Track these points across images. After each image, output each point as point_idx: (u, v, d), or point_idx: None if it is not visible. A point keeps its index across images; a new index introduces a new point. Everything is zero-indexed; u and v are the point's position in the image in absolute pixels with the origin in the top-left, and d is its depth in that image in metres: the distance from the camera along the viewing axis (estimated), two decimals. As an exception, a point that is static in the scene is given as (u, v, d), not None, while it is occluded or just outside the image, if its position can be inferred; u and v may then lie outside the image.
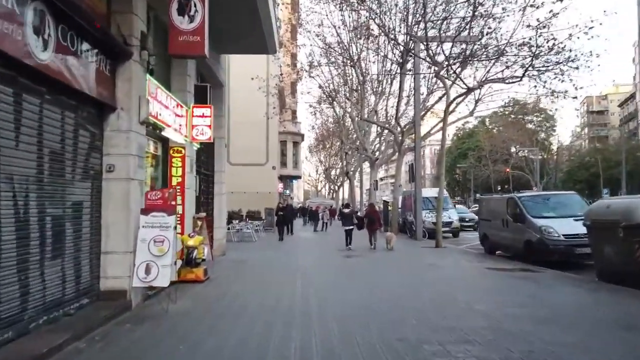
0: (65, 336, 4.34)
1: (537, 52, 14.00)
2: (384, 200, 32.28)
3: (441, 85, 24.48)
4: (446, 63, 15.53)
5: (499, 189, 65.59)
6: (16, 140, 4.22)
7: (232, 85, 36.90)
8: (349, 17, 22.29)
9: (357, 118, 30.09)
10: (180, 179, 8.62)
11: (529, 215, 11.55)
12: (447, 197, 21.88)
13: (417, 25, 17.14)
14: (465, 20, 14.84)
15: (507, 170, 55.52)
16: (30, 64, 4.22)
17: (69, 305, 5.11)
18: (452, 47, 15.30)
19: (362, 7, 18.56)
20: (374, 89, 27.48)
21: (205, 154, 11.86)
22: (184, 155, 8.67)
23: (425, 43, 15.55)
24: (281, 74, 33.96)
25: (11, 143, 4.14)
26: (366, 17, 18.45)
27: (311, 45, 36.36)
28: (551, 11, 13.54)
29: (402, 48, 18.44)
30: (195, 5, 6.56)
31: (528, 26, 13.66)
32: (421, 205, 19.22)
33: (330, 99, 28.56)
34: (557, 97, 17.79)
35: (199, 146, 9.90)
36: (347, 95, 28.93)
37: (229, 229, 18.32)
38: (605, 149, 53.43)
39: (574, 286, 8.14)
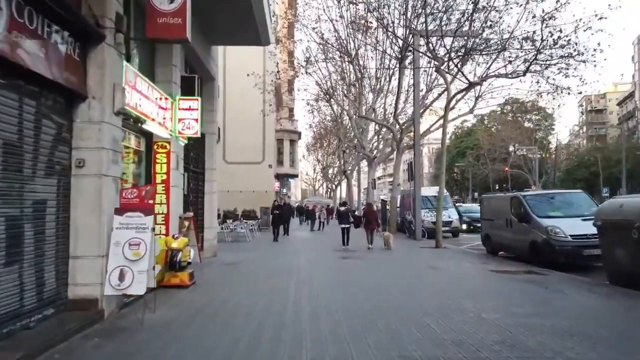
0: (17, 355, 3.77)
1: (542, 45, 13.47)
2: (382, 200, 31.75)
3: (441, 82, 24.09)
4: (447, 57, 15.01)
5: (497, 188, 65.36)
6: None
7: (227, 82, 36.53)
8: (347, 11, 21.77)
9: (354, 116, 29.55)
10: (164, 176, 8.04)
11: (534, 215, 11.02)
12: (446, 196, 21.35)
13: (416, 19, 16.60)
14: (467, 14, 14.34)
15: (506, 169, 55.17)
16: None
17: (29, 318, 4.54)
18: (453, 41, 14.76)
19: (360, 0, 18.05)
20: (372, 86, 26.94)
21: (195, 151, 11.28)
22: (169, 150, 8.09)
23: (425, 37, 15.01)
24: (278, 72, 33.41)
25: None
26: (364, 10, 17.88)
27: (308, 41, 35.78)
28: (558, 0, 13.01)
29: (401, 42, 17.88)
30: (177, -15, 5.98)
31: (534, 17, 13.11)
32: (420, 204, 18.69)
33: (327, 96, 27.98)
34: (561, 93, 17.34)
35: (186, 142, 9.31)
36: (345, 92, 28.37)
37: (222, 228, 17.76)
38: (605, 148, 53.12)
39: (586, 290, 7.61)
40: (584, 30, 14.39)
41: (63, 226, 5.17)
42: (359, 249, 15.04)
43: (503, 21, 14.73)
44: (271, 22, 11.61)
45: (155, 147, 8.05)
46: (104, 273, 5.22)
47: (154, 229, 5.51)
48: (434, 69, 16.35)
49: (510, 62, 15.29)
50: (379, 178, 78.39)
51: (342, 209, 16.93)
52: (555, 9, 13.09)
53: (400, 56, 19.09)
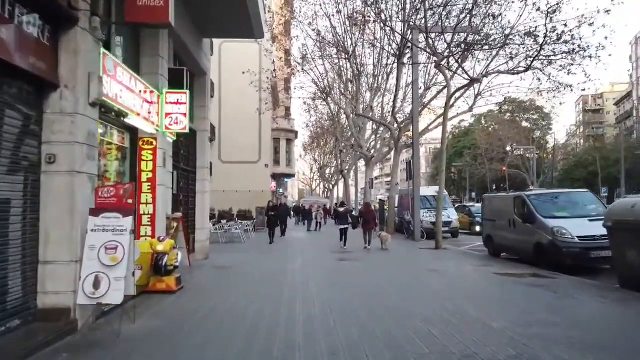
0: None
1: (544, 41, 13.05)
2: (380, 200, 31.32)
3: (439, 80, 23.76)
4: (447, 53, 14.59)
5: (494, 187, 65.12)
6: None
7: (223, 80, 36.00)
8: (344, 7, 21.33)
9: (352, 115, 29.12)
10: (150, 175, 7.55)
11: (539, 216, 10.59)
12: (446, 196, 20.94)
13: (415, 14, 16.16)
14: (467, 8, 13.92)
15: (504, 169, 54.92)
16: None
17: (-11, 331, 4.06)
18: (453, 35, 14.32)
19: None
20: (370, 85, 26.50)
21: (185, 148, 10.80)
22: (155, 147, 7.60)
23: (424, 33, 14.57)
24: (274, 70, 32.93)
25: None
26: (362, 4, 17.39)
27: (305, 38, 35.29)
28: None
29: (399, 38, 17.46)
30: (160, -34, 5.50)
31: (538, 10, 12.68)
32: (419, 204, 18.26)
33: (324, 94, 27.52)
34: (564, 90, 16.96)
35: (174, 138, 8.82)
36: (342, 90, 27.91)
37: (216, 229, 17.27)
38: (604, 147, 52.95)
39: (597, 296, 7.17)
40: (589, 25, 14.00)
41: (31, 229, 4.68)
42: (357, 250, 14.65)
43: (505, 15, 14.42)
44: (265, 14, 11.11)
45: (140, 143, 7.56)
46: (77, 280, 4.74)
47: (133, 232, 5.03)
48: (434, 64, 15.87)
49: (511, 58, 14.91)
50: (376, 178, 78.08)
51: (341, 209, 16.93)
52: (558, 3, 12.66)
53: (398, 52, 18.67)
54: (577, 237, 9.77)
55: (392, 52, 19.44)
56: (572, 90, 15.79)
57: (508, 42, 14.15)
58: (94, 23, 5.05)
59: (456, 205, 26.22)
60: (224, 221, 19.60)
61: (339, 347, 4.38)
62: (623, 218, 7.84)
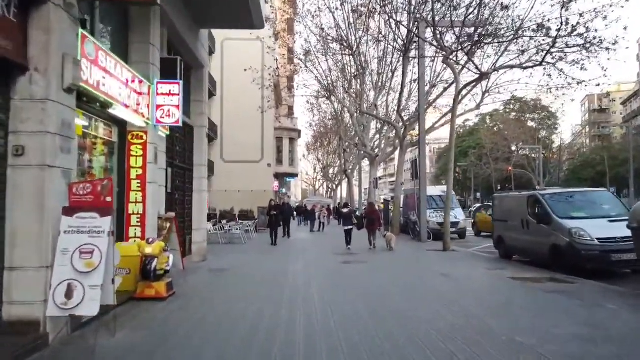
0: None
1: (559, 32, 12.39)
2: (384, 200, 30.71)
3: (445, 77, 23.18)
4: (455, 47, 13.97)
5: (499, 188, 64.36)
6: None
7: (225, 78, 35.50)
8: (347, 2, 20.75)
9: (355, 114, 28.52)
10: (140, 171, 7.00)
11: (555, 216, 9.96)
12: (453, 196, 20.32)
13: (423, 6, 15.53)
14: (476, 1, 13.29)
15: (510, 168, 54.21)
16: None
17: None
18: (462, 28, 13.67)
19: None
20: (374, 83, 25.90)
21: (182, 144, 10.24)
22: (146, 141, 7.05)
23: (432, 25, 13.95)
24: (277, 68, 32.37)
25: None
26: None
27: (308, 36, 34.73)
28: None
29: (405, 31, 16.84)
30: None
31: (553, -2, 12.02)
32: (425, 204, 17.64)
33: (328, 92, 26.93)
34: (577, 86, 16.30)
35: (167, 133, 8.27)
36: (346, 88, 27.31)
37: (215, 229, 16.73)
38: (612, 147, 52.14)
39: (627, 305, 6.54)
40: (603, 18, 13.36)
41: (-5, 229, 4.13)
42: (361, 251, 14.08)
43: (516, 7, 13.76)
44: (266, 2, 10.53)
45: (129, 137, 7.01)
46: (47, 288, 4.18)
47: (112, 233, 4.46)
48: (442, 59, 15.25)
49: (523, 52, 14.27)
50: (379, 178, 77.35)
51: (345, 210, 16.63)
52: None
53: (404, 47, 18.05)
54: (597, 239, 9.16)
55: (397, 47, 18.80)
56: (586, 86, 15.10)
57: (519, 35, 13.51)
58: (69, -1, 4.49)
59: (477, 205, 25.56)
60: (224, 221, 19.04)
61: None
62: (651, 219, 7.24)
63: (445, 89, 21.57)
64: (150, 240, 6.33)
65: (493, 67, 14.21)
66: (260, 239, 17.62)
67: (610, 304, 6.51)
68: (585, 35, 12.80)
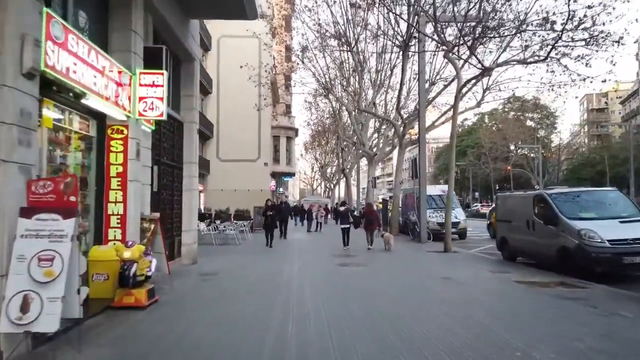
0: None
1: (564, 26, 11.90)
2: (382, 199, 30.22)
3: (445, 75, 22.70)
4: (457, 40, 13.48)
5: (497, 188, 63.97)
6: None
7: (221, 76, 34.95)
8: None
9: (354, 111, 28.02)
10: (120, 168, 6.47)
11: (563, 217, 9.49)
12: (453, 195, 19.87)
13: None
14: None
15: (508, 168, 53.87)
16: None
17: None
18: (464, 21, 13.15)
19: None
20: (372, 81, 25.40)
21: (170, 141, 9.71)
22: (127, 136, 6.52)
23: (432, 20, 13.44)
24: (274, 66, 31.84)
25: None
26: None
27: (305, 33, 34.18)
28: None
29: (405, 27, 16.34)
30: None
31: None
32: (425, 203, 17.15)
33: (325, 90, 26.42)
34: (581, 82, 15.86)
35: (152, 128, 7.75)
36: (344, 85, 26.79)
37: (208, 230, 16.20)
38: (611, 146, 51.82)
39: (646, 312, 6.08)
40: (607, 14, 12.90)
41: (-60, 234, 3.60)
42: (360, 252, 13.64)
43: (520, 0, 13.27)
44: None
45: (109, 131, 6.48)
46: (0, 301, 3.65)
47: (77, 238, 3.94)
48: (443, 54, 14.75)
49: (526, 47, 13.80)
50: (377, 178, 76.94)
51: (342, 209, 16.42)
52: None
53: (404, 42, 17.54)
54: (608, 240, 8.70)
55: (397, 42, 18.30)
56: (591, 82, 14.65)
57: (522, 29, 13.03)
58: (29, -29, 3.97)
59: (494, 205, 24.98)
60: (218, 221, 18.51)
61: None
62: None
63: (445, 86, 21.13)
64: (130, 243, 5.81)
65: (496, 63, 13.73)
66: (256, 239, 17.08)
67: (626, 311, 6.03)
68: (592, 28, 12.35)
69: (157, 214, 7.36)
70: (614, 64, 12.79)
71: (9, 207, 3.81)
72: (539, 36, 13.41)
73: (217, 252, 13.40)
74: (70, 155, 5.90)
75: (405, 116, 22.30)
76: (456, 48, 13.82)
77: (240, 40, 33.27)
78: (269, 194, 34.88)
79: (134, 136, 6.62)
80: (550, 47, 12.28)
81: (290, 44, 34.94)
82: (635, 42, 68.57)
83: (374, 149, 29.37)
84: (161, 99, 6.73)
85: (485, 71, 13.13)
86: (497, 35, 13.28)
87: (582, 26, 12.51)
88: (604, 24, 12.42)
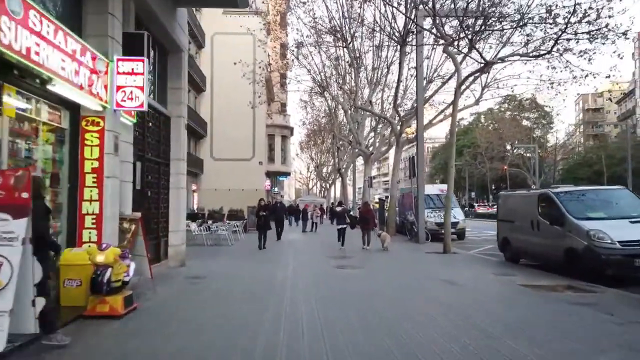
0: None
1: (570, 17, 11.47)
2: (379, 199, 29.75)
3: (442, 73, 22.26)
4: (456, 35, 13.04)
5: (494, 188, 63.81)
6: None
7: (215, 74, 34.39)
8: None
9: (350, 110, 27.52)
10: (96, 164, 5.92)
11: (570, 216, 9.03)
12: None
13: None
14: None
15: (505, 167, 53.69)
16: None
17: None
18: (464, 16, 12.68)
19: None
20: (369, 79, 24.92)
21: (156, 136, 9.15)
22: (103, 128, 5.97)
23: (432, 14, 12.97)
24: (269, 64, 31.28)
25: None
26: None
27: (300, 29, 33.66)
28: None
29: (402, 22, 15.89)
30: None
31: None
32: (423, 203, 16.68)
33: (321, 88, 25.91)
34: (583, 79, 15.47)
35: (134, 120, 7.20)
36: (340, 84, 26.29)
37: (200, 230, 15.64)
38: (608, 146, 51.72)
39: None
40: (608, 9, 12.50)
41: None
42: (356, 253, 13.18)
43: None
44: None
45: (83, 123, 5.93)
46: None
47: (31, 240, 3.39)
48: (442, 49, 14.28)
49: (528, 41, 13.38)
50: (373, 177, 76.69)
51: (339, 209, 16.20)
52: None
53: (401, 37, 17.08)
54: (619, 241, 8.26)
55: (394, 38, 17.81)
56: (594, 77, 14.23)
57: (524, 22, 12.59)
58: None
59: None
60: (210, 221, 17.94)
61: None
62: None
63: (443, 83, 20.66)
64: (104, 246, 5.26)
65: (498, 56, 13.28)
66: (249, 240, 16.52)
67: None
68: (597, 21, 11.93)
69: (139, 214, 6.82)
70: (621, 57, 12.34)
71: (-52, 205, 3.28)
72: (541, 30, 13.02)
73: (208, 253, 12.84)
74: (39, 149, 5.35)
75: (402, 114, 21.83)
76: (456, 42, 13.37)
77: (234, 37, 32.71)
78: (263, 194, 34.31)
79: (112, 128, 6.07)
80: (554, 40, 11.84)
81: (286, 41, 34.39)
82: (633, 41, 68.71)
83: (370, 148, 28.91)
84: (141, 88, 6.18)
85: (487, 65, 12.67)
86: (498, 29, 12.85)
87: (586, 19, 12.12)
88: (609, 16, 12.02)
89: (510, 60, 13.68)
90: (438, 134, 78.39)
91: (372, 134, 30.59)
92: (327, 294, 7.02)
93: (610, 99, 50.63)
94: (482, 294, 7.27)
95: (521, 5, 12.74)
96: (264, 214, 14.12)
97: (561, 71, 15.22)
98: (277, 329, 4.88)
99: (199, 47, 34.26)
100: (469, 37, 11.95)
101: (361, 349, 4.22)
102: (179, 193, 9.89)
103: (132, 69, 6.18)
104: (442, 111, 21.72)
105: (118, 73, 6.14)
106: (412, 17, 14.35)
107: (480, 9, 12.55)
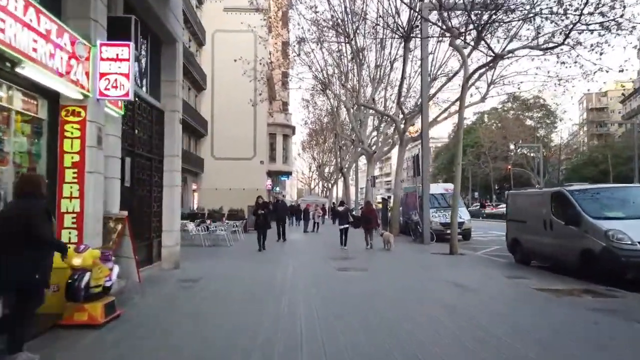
0: None
1: (584, 7, 10.95)
2: (382, 199, 29.23)
3: (447, 70, 21.75)
4: (464, 27, 12.52)
5: (497, 187, 63.12)
6: None
7: (216, 72, 33.95)
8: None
9: (352, 109, 27.02)
10: (77, 157, 5.43)
11: (587, 216, 8.50)
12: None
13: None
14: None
15: (509, 167, 53.12)
16: None
17: None
18: (471, 9, 12.12)
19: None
20: (371, 77, 24.41)
21: (148, 131, 8.66)
22: (85, 119, 5.48)
23: (437, 6, 12.44)
24: (271, 62, 30.80)
25: None
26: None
27: (302, 26, 33.20)
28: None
29: (405, 17, 15.38)
30: None
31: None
32: (428, 202, 16.16)
33: (323, 85, 25.42)
34: (594, 74, 14.98)
35: (122, 113, 6.71)
36: (342, 81, 25.79)
37: (198, 231, 15.16)
38: (614, 145, 51.12)
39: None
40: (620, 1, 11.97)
41: None
42: (358, 253, 12.72)
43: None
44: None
45: (63, 113, 5.44)
46: None
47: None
48: (449, 42, 13.76)
49: (538, 34, 12.85)
50: (376, 177, 76.17)
51: (341, 209, 15.67)
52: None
53: (406, 32, 16.55)
54: (639, 242, 7.72)
55: (398, 32, 17.29)
56: (607, 72, 13.74)
57: (535, 12, 12.07)
58: None
59: None
60: (208, 221, 17.45)
61: None
62: None
63: (448, 79, 20.16)
64: (81, 248, 4.77)
65: (507, 49, 12.74)
66: (249, 240, 16.01)
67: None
68: (613, 12, 11.42)
69: (125, 213, 6.33)
70: (638, 49, 11.77)
71: None
72: (551, 22, 12.49)
73: (205, 254, 12.36)
74: (11, 141, 4.86)
75: (406, 112, 21.31)
76: (463, 35, 12.84)
77: (235, 35, 32.26)
78: (264, 193, 33.81)
79: (94, 119, 5.58)
80: (568, 31, 11.31)
81: (287, 38, 33.93)
82: (638, 39, 67.89)
83: (373, 147, 28.40)
84: (127, 75, 5.68)
85: (496, 58, 12.14)
86: (509, 21, 12.32)
87: (599, 10, 11.61)
88: (624, 7, 11.49)
89: (519, 55, 13.19)
90: (441, 133, 77.86)
91: (375, 133, 30.08)
92: (327, 298, 6.51)
93: (623, 94, 49.88)
94: (496, 301, 6.72)
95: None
96: (263, 212, 13.49)
97: (570, 67, 14.74)
98: (273, 343, 4.38)
99: (199, 44, 33.82)
100: (479, 28, 11.40)
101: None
102: (173, 191, 9.40)
103: (117, 55, 5.68)
104: (447, 109, 21.22)
105: (101, 59, 5.64)
106: (417, 9, 13.83)
107: (489, 0, 12.04)
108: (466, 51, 13.17)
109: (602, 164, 47.48)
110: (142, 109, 8.32)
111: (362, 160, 39.98)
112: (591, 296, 6.99)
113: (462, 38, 12.42)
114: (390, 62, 23.33)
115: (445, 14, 12.63)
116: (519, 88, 21.33)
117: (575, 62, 13.73)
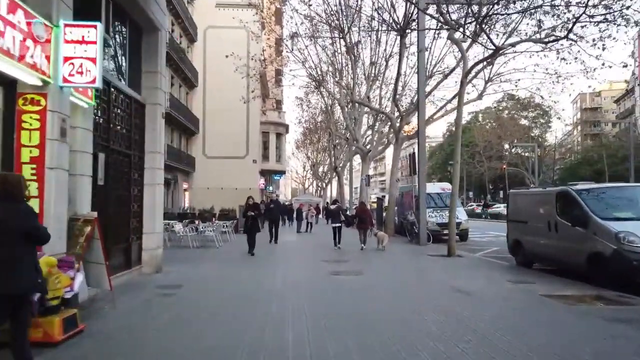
0: None
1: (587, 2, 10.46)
2: (377, 198, 28.72)
3: (443, 67, 21.26)
4: (463, 20, 12.00)
5: (491, 187, 62.90)
6: None
7: (208, 69, 33.22)
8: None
9: (347, 107, 26.47)
10: (36, 152, 4.81)
11: (595, 217, 8.01)
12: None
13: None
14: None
15: (504, 166, 52.91)
16: None
17: None
18: (470, 2, 11.60)
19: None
20: (366, 74, 23.87)
21: (126, 124, 8.02)
22: (45, 108, 4.86)
23: (434, 3, 11.93)
24: (264, 59, 30.16)
25: None
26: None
27: (292, 17, 32.54)
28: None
29: (401, 12, 14.86)
30: None
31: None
32: (425, 202, 15.65)
33: (317, 82, 24.84)
34: (594, 71, 14.55)
35: (92, 103, 6.08)
36: (336, 79, 25.23)
37: (185, 232, 14.53)
38: (610, 145, 51.09)
39: None
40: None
41: None
42: (352, 254, 12.25)
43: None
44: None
45: (20, 102, 4.81)
46: None
47: None
48: (447, 35, 13.24)
49: (540, 27, 12.36)
50: (370, 176, 75.48)
51: (333, 207, 15.44)
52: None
53: (402, 26, 16.01)
54: (653, 245, 7.25)
55: (394, 27, 16.75)
56: (610, 67, 13.28)
57: (535, 4, 11.60)
58: None
59: None
60: (197, 221, 16.81)
61: None
62: None
63: (445, 76, 19.65)
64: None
65: (508, 41, 12.24)
66: (239, 241, 15.38)
67: None
68: (619, 3, 10.96)
69: (94, 214, 5.70)
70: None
71: None
72: (553, 15, 12.02)
73: (191, 257, 11.73)
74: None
75: (403, 109, 20.80)
76: (461, 28, 12.33)
77: (228, 32, 31.57)
78: (257, 193, 33.16)
79: (56, 109, 4.95)
80: (571, 24, 10.81)
81: (280, 35, 33.28)
82: (632, 39, 68.00)
83: (368, 146, 27.89)
84: (94, 60, 5.06)
85: (497, 52, 11.63)
86: (508, 13, 11.82)
87: (604, 2, 11.14)
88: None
89: (519, 51, 12.72)
90: (435, 132, 77.42)
91: (370, 131, 29.57)
92: (320, 306, 5.93)
93: (627, 90, 49.62)
94: (501, 309, 6.17)
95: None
96: (253, 214, 12.71)
97: (570, 63, 14.24)
98: (257, 354, 3.80)
99: (191, 41, 33.10)
100: (479, 20, 10.88)
101: None
102: (155, 190, 8.77)
103: (83, 37, 5.06)
104: (443, 106, 20.74)
105: (65, 41, 5.02)
106: (414, 1, 13.29)
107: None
108: (465, 45, 12.65)
109: (596, 163, 47.39)
110: (120, 100, 7.69)
111: (357, 160, 39.51)
112: (603, 303, 6.50)
113: (461, 30, 11.89)
114: (385, 59, 22.87)
115: (444, 7, 12.11)
116: (516, 85, 20.81)
117: (576, 59, 13.33)
